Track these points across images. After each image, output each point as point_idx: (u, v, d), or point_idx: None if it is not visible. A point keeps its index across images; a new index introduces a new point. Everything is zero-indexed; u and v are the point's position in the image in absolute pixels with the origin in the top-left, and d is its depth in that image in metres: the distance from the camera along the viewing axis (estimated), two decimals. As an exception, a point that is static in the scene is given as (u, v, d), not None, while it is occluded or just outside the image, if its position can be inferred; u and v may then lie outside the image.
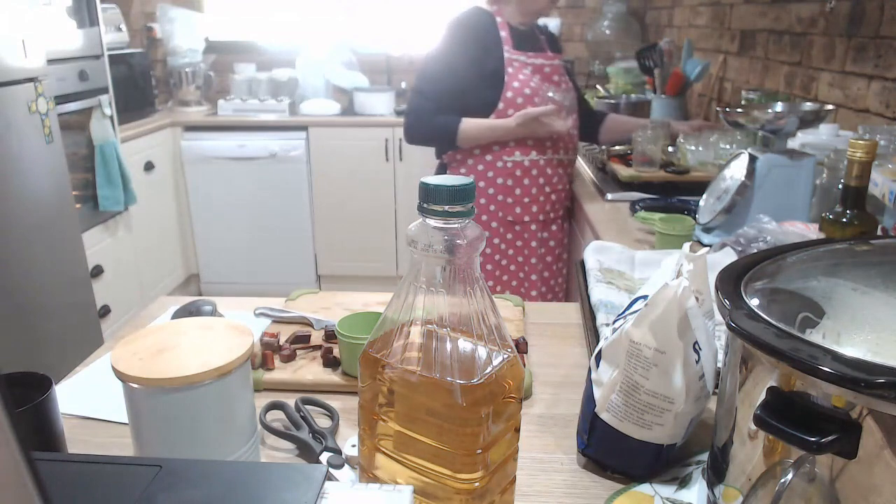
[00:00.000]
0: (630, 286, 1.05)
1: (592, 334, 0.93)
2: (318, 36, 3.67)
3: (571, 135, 1.86)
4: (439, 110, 1.74)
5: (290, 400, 0.78)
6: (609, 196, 1.80)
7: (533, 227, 1.84)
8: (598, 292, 1.00)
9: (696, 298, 0.61)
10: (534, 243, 1.85)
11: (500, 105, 1.74)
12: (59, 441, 0.66)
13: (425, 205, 0.50)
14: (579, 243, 1.86)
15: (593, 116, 2.11)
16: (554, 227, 1.90)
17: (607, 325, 0.85)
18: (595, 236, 1.57)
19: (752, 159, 1.30)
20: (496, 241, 1.83)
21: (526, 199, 1.82)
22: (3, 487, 0.25)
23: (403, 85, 3.76)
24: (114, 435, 0.76)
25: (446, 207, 0.50)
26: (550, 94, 1.80)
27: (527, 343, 0.94)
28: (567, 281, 1.99)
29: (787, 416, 0.45)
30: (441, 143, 1.83)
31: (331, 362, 0.87)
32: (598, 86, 3.00)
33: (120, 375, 0.58)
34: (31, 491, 0.26)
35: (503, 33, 1.75)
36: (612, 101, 2.43)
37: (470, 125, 1.75)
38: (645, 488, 0.66)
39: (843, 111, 1.75)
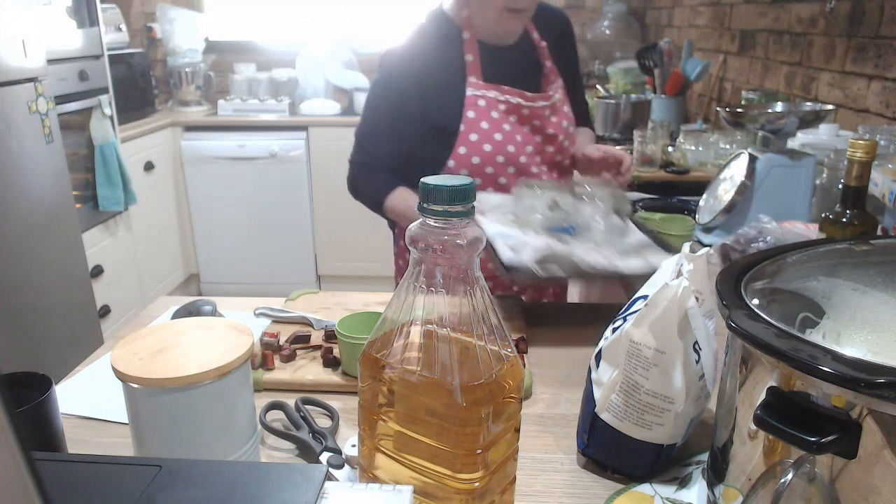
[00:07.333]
0: None
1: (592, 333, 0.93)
2: (318, 36, 3.66)
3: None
4: (377, 167, 1.26)
5: (290, 400, 0.78)
6: (609, 196, 1.80)
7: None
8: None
9: (696, 298, 0.61)
10: None
11: (451, 164, 1.22)
12: (59, 441, 0.66)
13: (425, 205, 0.50)
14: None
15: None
16: None
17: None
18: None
19: (752, 159, 1.30)
20: None
21: None
22: (3, 487, 0.25)
23: (403, 85, 3.76)
24: (114, 435, 0.76)
25: (446, 207, 0.50)
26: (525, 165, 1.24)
27: (527, 343, 0.94)
28: None
29: (787, 416, 0.45)
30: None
31: (331, 362, 0.87)
32: (598, 86, 3.00)
33: (120, 375, 0.58)
34: (31, 491, 0.26)
35: (469, 57, 1.22)
36: (613, 101, 2.43)
37: (396, 203, 1.23)
38: (645, 488, 0.66)
39: (843, 111, 1.75)
